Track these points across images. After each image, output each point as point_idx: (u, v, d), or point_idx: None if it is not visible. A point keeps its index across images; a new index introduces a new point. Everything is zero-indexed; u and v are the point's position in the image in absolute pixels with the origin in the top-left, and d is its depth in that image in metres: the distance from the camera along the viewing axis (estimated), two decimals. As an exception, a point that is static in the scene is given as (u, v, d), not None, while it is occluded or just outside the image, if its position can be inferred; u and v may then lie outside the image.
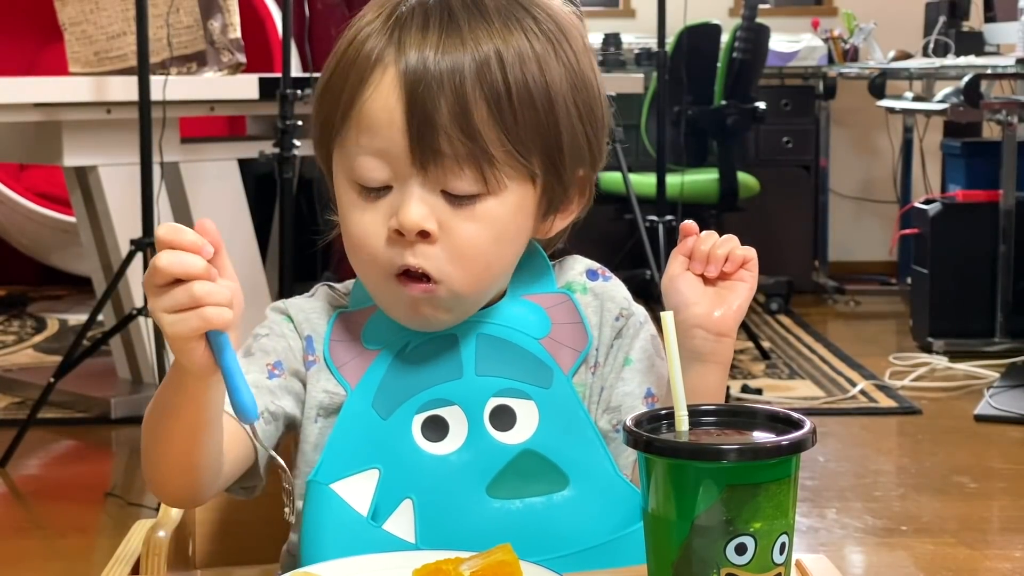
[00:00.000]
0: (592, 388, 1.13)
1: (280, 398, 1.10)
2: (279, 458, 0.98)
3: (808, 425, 0.86)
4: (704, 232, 1.11)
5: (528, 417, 1.08)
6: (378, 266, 1.06)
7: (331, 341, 1.12)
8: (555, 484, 1.07)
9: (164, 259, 0.90)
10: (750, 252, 1.10)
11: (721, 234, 1.11)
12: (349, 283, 1.16)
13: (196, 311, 0.90)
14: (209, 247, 0.92)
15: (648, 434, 0.86)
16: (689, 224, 1.11)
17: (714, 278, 1.09)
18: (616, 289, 1.17)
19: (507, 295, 1.13)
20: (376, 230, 1.05)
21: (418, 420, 1.08)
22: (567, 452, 1.08)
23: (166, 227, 0.91)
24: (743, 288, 1.09)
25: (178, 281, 0.90)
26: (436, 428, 1.08)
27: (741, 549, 0.83)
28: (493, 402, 1.08)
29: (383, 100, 1.03)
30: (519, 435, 1.08)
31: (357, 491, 1.06)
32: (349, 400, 1.09)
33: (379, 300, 1.10)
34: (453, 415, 1.08)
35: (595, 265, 1.18)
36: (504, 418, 1.08)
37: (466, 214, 1.05)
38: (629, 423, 0.87)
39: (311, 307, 1.14)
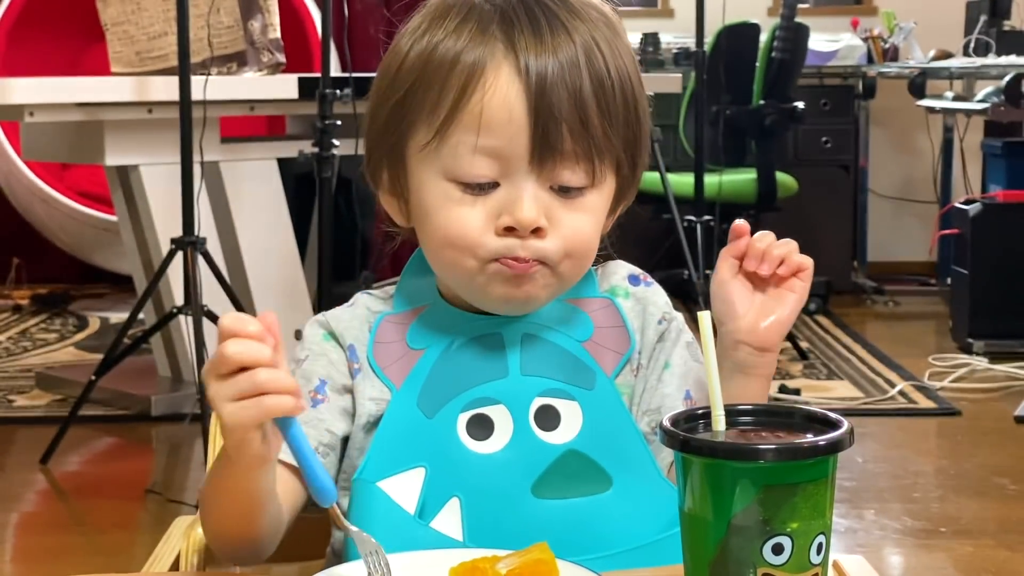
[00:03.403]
0: (635, 390, 1.13)
1: (332, 422, 1.10)
2: (371, 538, 0.96)
3: (845, 425, 0.86)
4: (760, 232, 1.10)
5: (572, 418, 1.08)
6: (477, 256, 1.05)
7: (375, 344, 1.12)
8: (599, 485, 1.07)
9: (231, 347, 0.90)
10: (807, 261, 1.09)
11: None
12: (390, 288, 1.17)
13: (256, 400, 0.90)
14: (271, 338, 0.91)
15: (685, 433, 0.86)
16: (741, 224, 1.10)
17: (765, 279, 1.09)
18: (658, 294, 1.17)
19: None
20: (481, 225, 1.05)
21: (463, 418, 1.08)
22: (610, 453, 1.08)
23: (231, 317, 0.91)
24: (791, 299, 1.09)
25: (242, 370, 0.90)
26: (481, 427, 1.08)
27: (778, 549, 0.83)
28: (538, 402, 1.08)
29: (502, 99, 1.03)
30: (563, 435, 1.08)
31: (404, 489, 1.06)
32: (395, 399, 1.09)
33: (471, 285, 1.08)
34: (498, 414, 1.08)
35: (637, 271, 1.19)
36: (548, 418, 1.08)
37: (573, 206, 1.06)
38: (666, 422, 0.87)
39: (351, 316, 1.14)
